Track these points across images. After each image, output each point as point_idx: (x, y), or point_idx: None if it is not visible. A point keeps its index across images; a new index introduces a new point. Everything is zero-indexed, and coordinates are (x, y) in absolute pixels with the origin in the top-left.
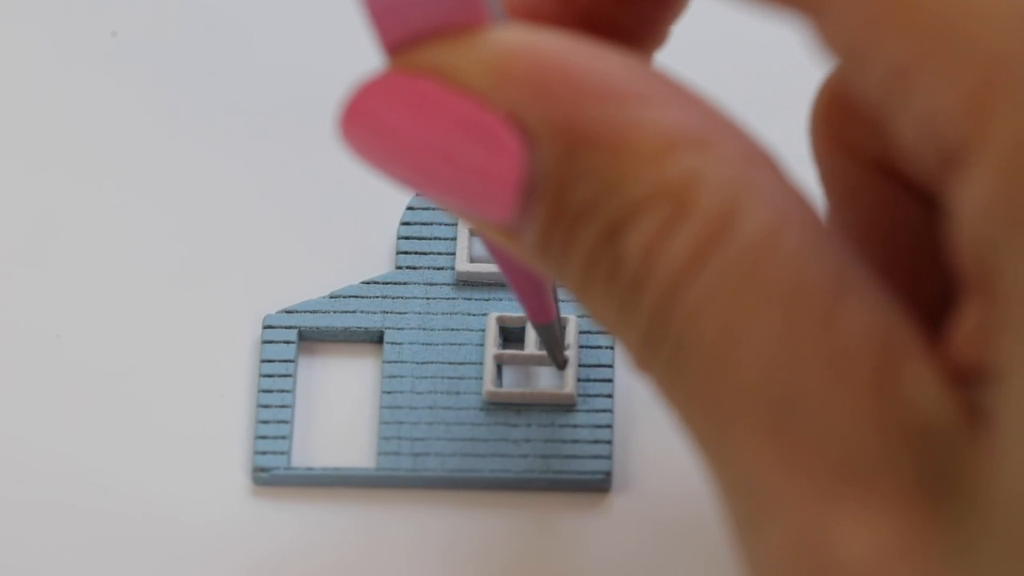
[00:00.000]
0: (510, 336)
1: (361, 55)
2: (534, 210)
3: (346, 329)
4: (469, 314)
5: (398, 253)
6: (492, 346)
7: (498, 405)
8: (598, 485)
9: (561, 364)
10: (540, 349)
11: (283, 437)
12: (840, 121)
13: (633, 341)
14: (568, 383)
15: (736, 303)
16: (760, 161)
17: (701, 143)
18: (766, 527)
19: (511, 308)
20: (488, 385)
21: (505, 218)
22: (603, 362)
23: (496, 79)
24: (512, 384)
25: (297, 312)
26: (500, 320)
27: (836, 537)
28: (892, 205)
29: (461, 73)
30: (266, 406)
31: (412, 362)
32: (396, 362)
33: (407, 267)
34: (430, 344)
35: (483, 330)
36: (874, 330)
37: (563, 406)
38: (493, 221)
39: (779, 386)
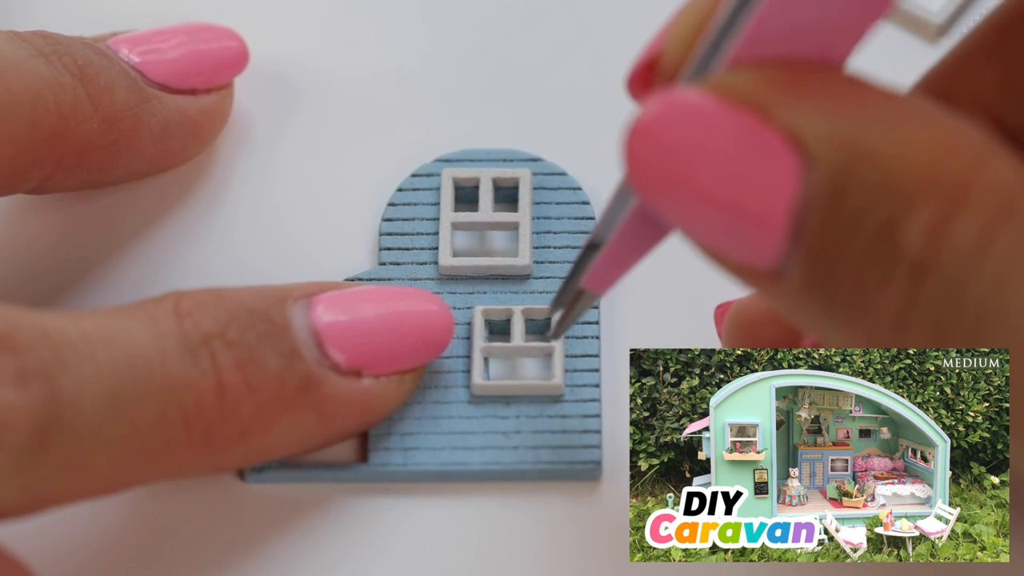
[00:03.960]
0: (495, 329)
1: (356, 56)
2: (806, 227)
3: None
4: (454, 308)
5: (381, 249)
6: (479, 339)
7: (487, 398)
8: (589, 474)
9: (556, 334)
10: (526, 341)
11: None
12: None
13: (921, 327)
14: (556, 374)
15: None
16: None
17: (966, 154)
18: None
19: (495, 301)
20: (476, 378)
21: (775, 242)
22: (590, 352)
23: (777, 94)
24: (499, 376)
25: None
26: (486, 313)
27: None
28: None
29: (741, 89)
30: None
31: None
32: None
33: (391, 263)
34: None
35: (469, 323)
36: None
37: (552, 397)
38: (760, 254)
39: None
